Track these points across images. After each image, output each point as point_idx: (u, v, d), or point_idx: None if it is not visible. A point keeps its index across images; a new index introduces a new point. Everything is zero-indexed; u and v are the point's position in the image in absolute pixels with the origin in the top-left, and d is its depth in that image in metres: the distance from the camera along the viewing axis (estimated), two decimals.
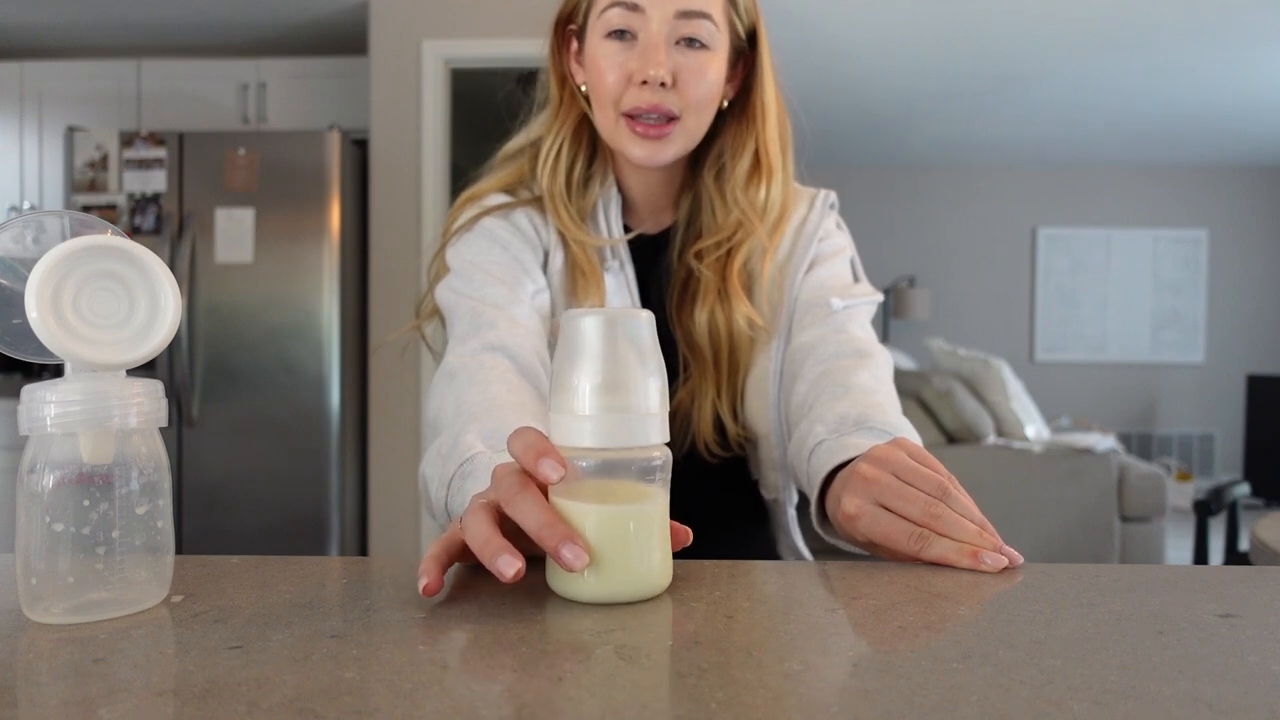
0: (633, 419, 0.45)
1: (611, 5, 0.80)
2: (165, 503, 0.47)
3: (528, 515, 0.44)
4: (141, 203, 3.05)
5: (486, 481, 0.58)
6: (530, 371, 0.77)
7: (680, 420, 0.86)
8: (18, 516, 0.44)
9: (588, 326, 0.45)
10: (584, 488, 0.46)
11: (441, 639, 0.42)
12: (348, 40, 3.62)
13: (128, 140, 3.07)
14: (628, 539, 0.46)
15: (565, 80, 0.89)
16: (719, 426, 0.87)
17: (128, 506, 0.45)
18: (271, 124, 3.57)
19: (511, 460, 0.47)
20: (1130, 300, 6.20)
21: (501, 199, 0.89)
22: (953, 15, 3.55)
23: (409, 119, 3.23)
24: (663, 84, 0.79)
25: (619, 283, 0.87)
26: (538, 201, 0.89)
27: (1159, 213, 6.17)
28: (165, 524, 0.47)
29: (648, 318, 0.46)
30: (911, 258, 6.21)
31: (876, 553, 0.62)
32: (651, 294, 0.89)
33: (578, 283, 0.85)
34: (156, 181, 3.06)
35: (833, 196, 0.93)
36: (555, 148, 0.87)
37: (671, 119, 0.81)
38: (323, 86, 3.58)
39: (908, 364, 4.60)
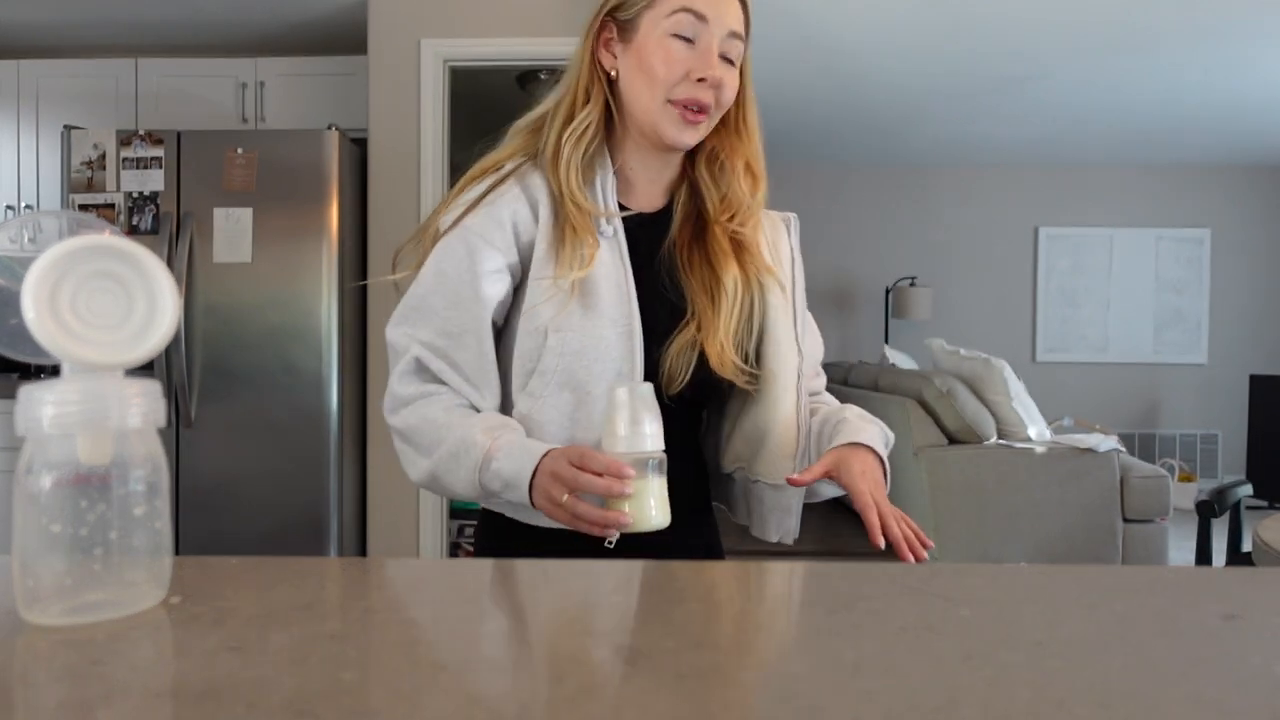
0: (643, 437, 0.83)
1: (681, 10, 0.92)
2: (163, 503, 0.47)
3: (595, 485, 0.79)
4: (139, 202, 3.05)
5: (509, 462, 0.85)
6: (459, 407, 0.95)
7: (693, 351, 0.98)
8: (14, 518, 0.44)
9: (621, 392, 0.83)
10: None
11: (441, 639, 0.42)
12: (346, 39, 3.62)
13: (125, 139, 3.06)
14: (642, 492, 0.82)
15: (598, 62, 0.98)
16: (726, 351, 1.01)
17: (125, 507, 0.45)
18: (270, 123, 3.57)
19: (554, 458, 0.83)
20: (1132, 300, 6.19)
21: (488, 183, 0.98)
22: (953, 15, 3.55)
23: (408, 118, 3.23)
24: (714, 84, 0.93)
25: (612, 249, 0.97)
26: (531, 161, 0.99)
27: (1161, 212, 6.17)
28: (163, 525, 0.47)
29: (649, 386, 0.83)
30: (912, 258, 6.21)
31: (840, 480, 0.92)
32: (642, 261, 0.99)
33: (567, 237, 0.94)
34: (154, 181, 3.05)
35: (797, 222, 1.12)
36: (586, 122, 0.97)
37: (706, 110, 0.95)
38: (321, 85, 3.58)
39: (908, 364, 4.59)
